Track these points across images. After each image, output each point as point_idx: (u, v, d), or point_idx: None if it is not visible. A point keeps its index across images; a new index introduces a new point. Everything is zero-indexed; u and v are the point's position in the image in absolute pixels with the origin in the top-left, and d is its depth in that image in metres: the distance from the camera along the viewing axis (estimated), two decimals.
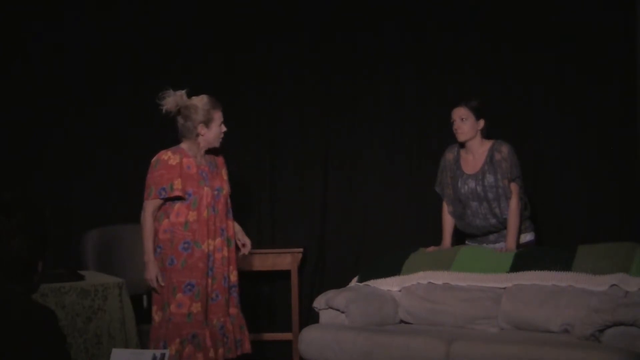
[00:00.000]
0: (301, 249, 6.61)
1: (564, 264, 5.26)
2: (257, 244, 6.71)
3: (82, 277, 4.99)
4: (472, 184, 5.67)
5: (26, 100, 6.71)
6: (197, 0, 6.83)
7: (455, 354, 4.94)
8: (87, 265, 5.83)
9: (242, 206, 6.81)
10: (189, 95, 5.25)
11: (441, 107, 6.34)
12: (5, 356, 2.34)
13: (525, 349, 4.79)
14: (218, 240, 5.26)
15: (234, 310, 5.33)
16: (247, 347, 5.38)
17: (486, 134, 5.68)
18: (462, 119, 5.63)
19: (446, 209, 5.82)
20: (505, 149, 5.63)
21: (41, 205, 2.59)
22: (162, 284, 5.12)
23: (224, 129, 5.28)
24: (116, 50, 6.77)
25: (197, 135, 5.23)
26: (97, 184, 6.74)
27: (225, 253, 5.29)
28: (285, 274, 6.61)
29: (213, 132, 5.24)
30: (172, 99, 5.20)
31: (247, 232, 6.74)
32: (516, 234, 5.57)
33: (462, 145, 5.72)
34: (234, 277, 5.34)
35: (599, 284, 5.09)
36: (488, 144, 5.68)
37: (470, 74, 6.54)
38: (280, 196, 6.82)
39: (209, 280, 5.21)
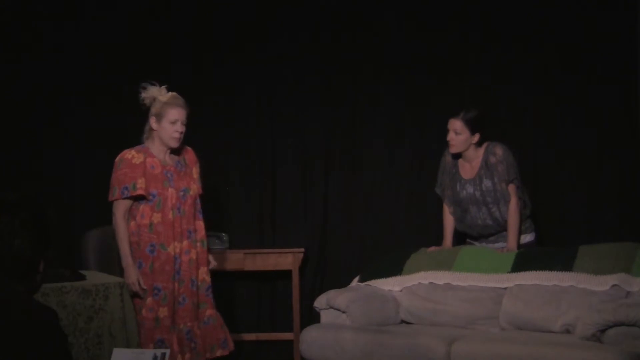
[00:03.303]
0: (302, 249, 6.60)
1: (565, 264, 5.26)
2: (258, 244, 6.72)
3: (83, 277, 4.97)
4: (470, 189, 5.64)
5: (26, 100, 6.69)
6: (197, 0, 6.82)
7: (456, 354, 4.94)
8: (88, 265, 5.81)
9: (242, 206, 6.82)
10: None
11: (441, 107, 6.34)
12: (7, 356, 2.34)
13: (527, 349, 4.79)
14: (185, 242, 5.10)
15: (212, 312, 5.20)
16: (231, 345, 5.25)
17: (484, 137, 5.60)
18: (455, 133, 5.55)
19: (447, 209, 5.81)
20: (499, 151, 5.55)
21: (44, 205, 2.59)
22: (144, 287, 5.02)
23: (179, 129, 5.06)
24: (116, 50, 6.75)
25: (151, 129, 5.09)
26: (97, 184, 6.71)
27: (194, 256, 5.12)
28: (287, 274, 6.59)
29: (164, 130, 5.05)
30: (153, 91, 5.11)
31: (248, 232, 6.78)
32: (517, 234, 5.56)
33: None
34: (208, 277, 5.19)
35: (600, 284, 5.09)
36: (482, 148, 5.61)
37: (470, 74, 6.54)
38: (281, 196, 6.81)
39: (176, 284, 5.06)
